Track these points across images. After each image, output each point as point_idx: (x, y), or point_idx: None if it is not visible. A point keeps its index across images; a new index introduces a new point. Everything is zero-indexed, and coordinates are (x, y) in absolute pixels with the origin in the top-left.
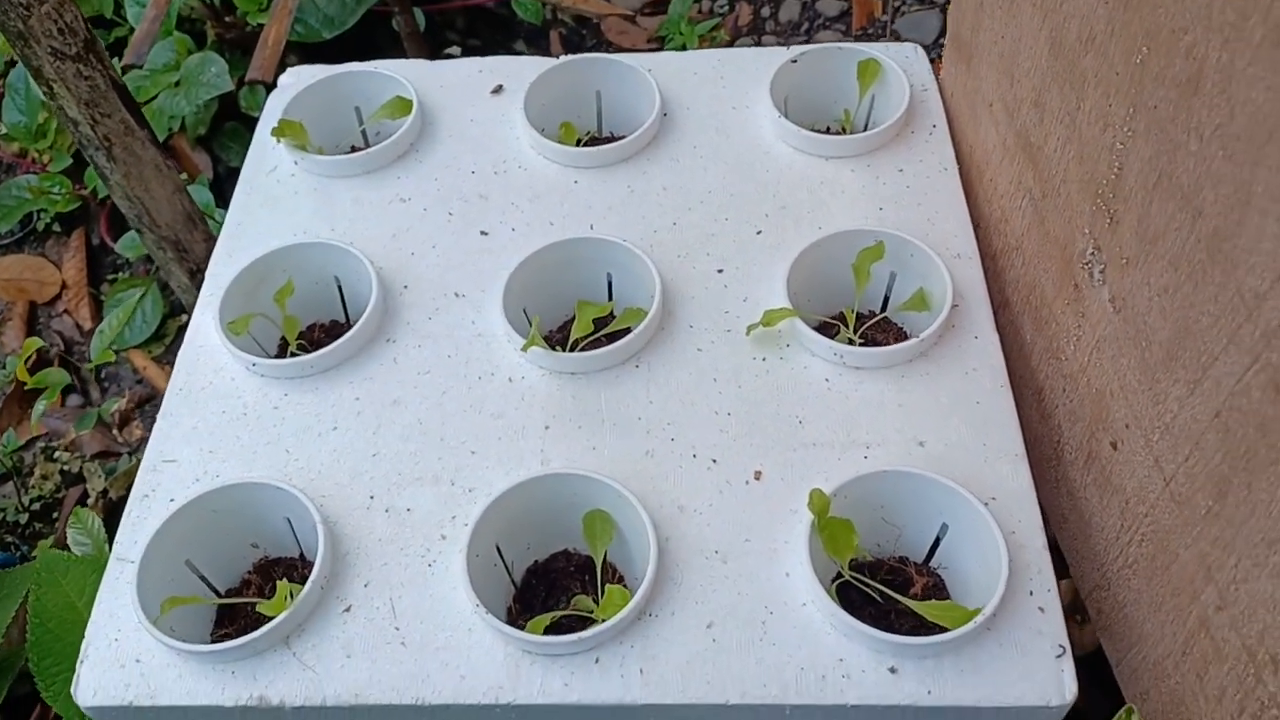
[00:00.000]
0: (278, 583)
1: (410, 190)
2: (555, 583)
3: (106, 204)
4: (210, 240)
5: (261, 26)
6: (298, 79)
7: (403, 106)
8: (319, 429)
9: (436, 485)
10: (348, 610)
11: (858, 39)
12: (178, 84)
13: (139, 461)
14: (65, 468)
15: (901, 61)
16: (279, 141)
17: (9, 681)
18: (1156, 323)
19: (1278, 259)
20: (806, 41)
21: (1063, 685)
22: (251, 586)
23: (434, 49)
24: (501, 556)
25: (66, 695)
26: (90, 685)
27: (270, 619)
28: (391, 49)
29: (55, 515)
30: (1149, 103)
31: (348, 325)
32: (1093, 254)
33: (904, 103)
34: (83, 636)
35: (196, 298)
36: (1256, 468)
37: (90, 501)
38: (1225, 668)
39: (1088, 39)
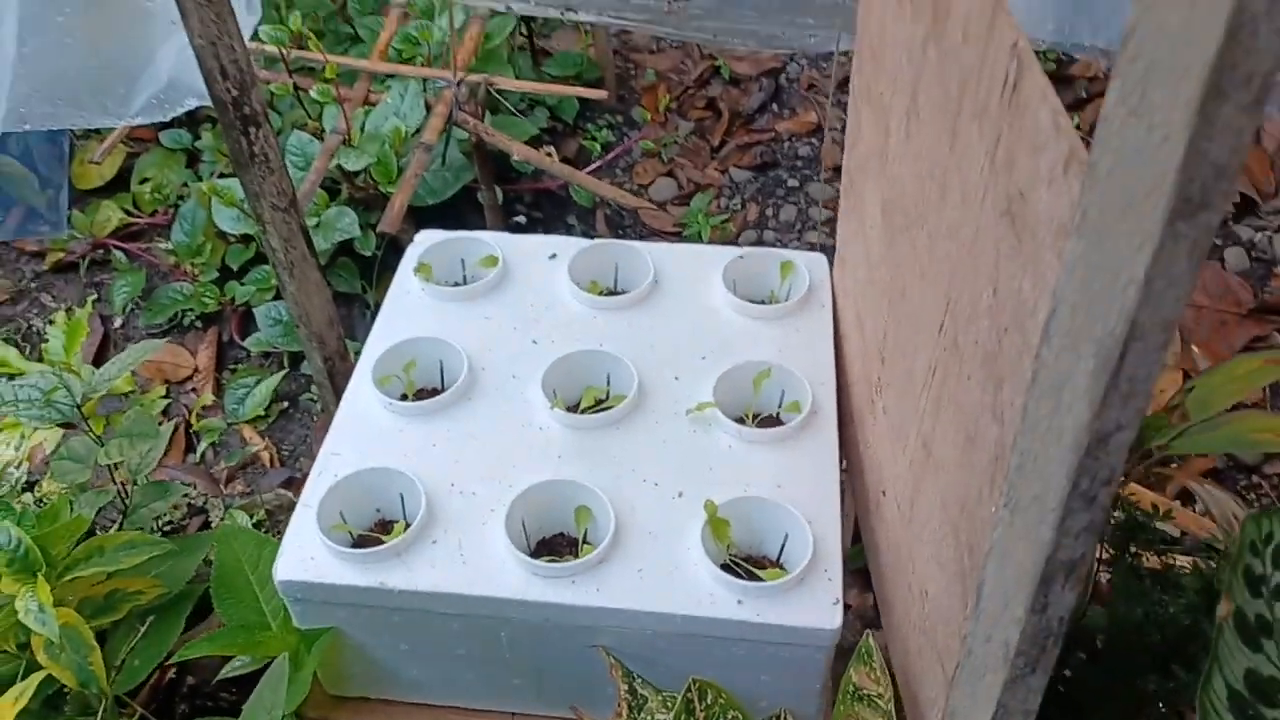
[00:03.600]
0: (394, 525)
1: (492, 312)
2: (554, 550)
3: (238, 309)
4: (339, 340)
5: (385, 191)
6: (428, 238)
7: (491, 261)
8: (425, 445)
9: (490, 481)
10: (434, 542)
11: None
12: (317, 226)
13: (247, 502)
14: (191, 502)
15: (809, 264)
16: (415, 274)
17: (190, 607)
18: (895, 419)
19: (925, 388)
20: (798, 237)
21: (834, 618)
22: (369, 540)
23: (507, 217)
24: (525, 531)
25: (235, 614)
26: (284, 568)
27: (389, 541)
28: (475, 214)
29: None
30: (894, 307)
31: (443, 390)
32: (878, 381)
33: (805, 289)
34: (246, 580)
35: (326, 379)
36: (920, 494)
37: (213, 526)
38: (912, 605)
39: (875, 264)
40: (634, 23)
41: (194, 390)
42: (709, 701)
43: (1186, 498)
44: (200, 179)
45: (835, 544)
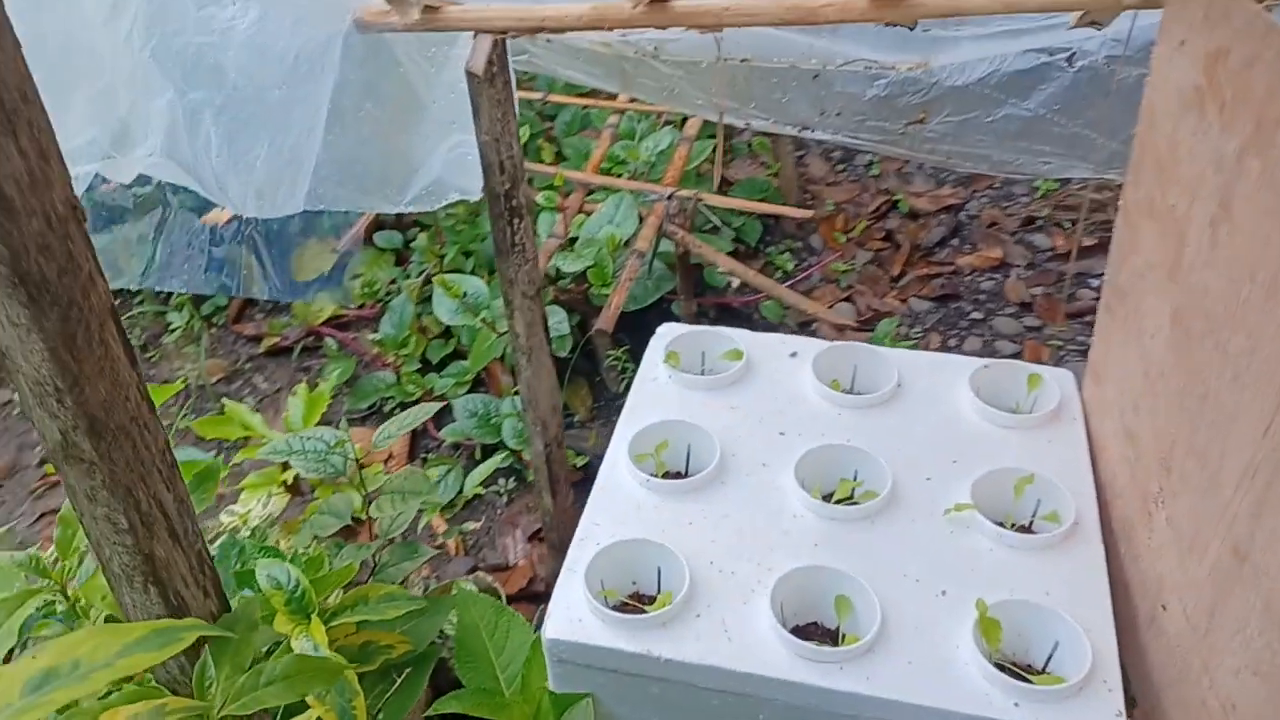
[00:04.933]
0: (658, 595)
1: (738, 403)
2: (808, 638)
3: (435, 400)
4: (560, 428)
5: (596, 294)
6: (670, 330)
7: (736, 354)
8: (681, 522)
9: (749, 562)
10: (698, 616)
11: None
12: None
13: (446, 583)
14: None
15: (1057, 378)
16: (664, 363)
17: (432, 666)
18: (1185, 529)
19: (1240, 492)
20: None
21: None
22: (628, 607)
23: None
24: (782, 614)
25: (473, 678)
26: (553, 628)
27: (655, 611)
28: (664, 323)
29: None
30: (1189, 414)
31: (687, 474)
32: (1159, 492)
33: (1056, 402)
34: (484, 645)
35: (544, 463)
36: (1226, 603)
37: None
38: None
39: (1157, 375)
40: (868, 142)
41: (387, 474)
42: None
43: None
44: (409, 277)
45: (1113, 655)
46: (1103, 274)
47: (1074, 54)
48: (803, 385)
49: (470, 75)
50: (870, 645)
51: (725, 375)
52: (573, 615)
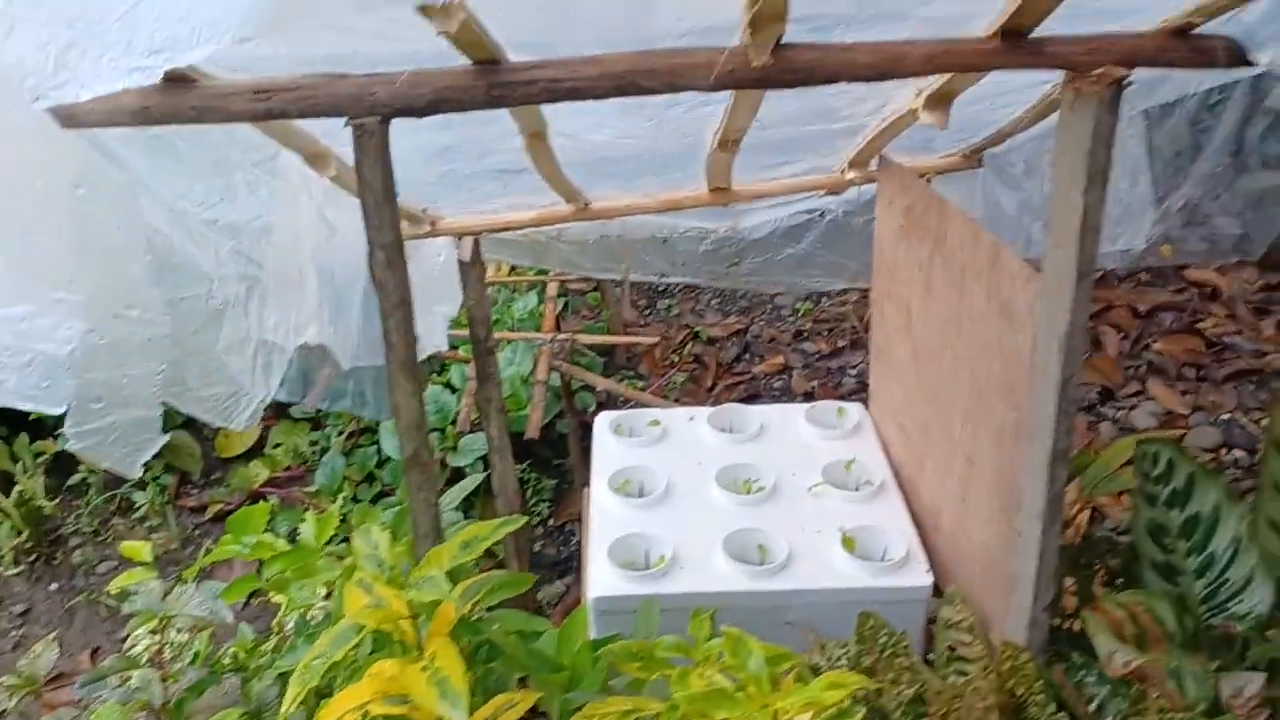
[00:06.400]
0: (651, 564)
1: (665, 451)
2: None
3: None
4: (525, 505)
5: (516, 418)
6: (606, 416)
7: (655, 423)
8: (653, 522)
9: (702, 534)
10: (682, 568)
11: None
12: (455, 449)
13: None
14: None
15: (854, 408)
16: (613, 434)
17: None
18: (940, 463)
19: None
20: None
21: (929, 579)
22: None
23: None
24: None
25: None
26: (597, 589)
27: (658, 567)
28: (553, 438)
29: None
30: (930, 403)
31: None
32: (923, 452)
33: (856, 421)
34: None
35: (510, 536)
36: (970, 489)
37: None
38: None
39: (910, 389)
40: (706, 279)
41: None
42: (871, 624)
43: None
44: (328, 439)
45: (918, 544)
46: (856, 365)
47: (824, 212)
48: (703, 434)
49: (461, 263)
50: (784, 563)
51: (652, 435)
52: (607, 581)
